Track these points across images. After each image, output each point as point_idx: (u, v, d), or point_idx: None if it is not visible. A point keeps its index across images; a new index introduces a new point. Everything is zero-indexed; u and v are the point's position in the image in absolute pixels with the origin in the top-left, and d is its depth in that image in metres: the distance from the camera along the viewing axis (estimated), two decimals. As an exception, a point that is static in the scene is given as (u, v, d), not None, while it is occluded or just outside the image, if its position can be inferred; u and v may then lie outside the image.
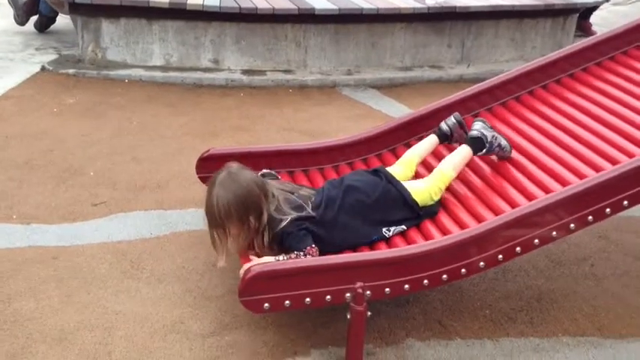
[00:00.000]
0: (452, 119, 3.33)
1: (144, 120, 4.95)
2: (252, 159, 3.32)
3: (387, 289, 2.53)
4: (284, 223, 2.70)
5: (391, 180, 2.97)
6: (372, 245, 2.83)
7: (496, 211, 2.78)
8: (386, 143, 3.45)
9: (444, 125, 3.31)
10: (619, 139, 2.93)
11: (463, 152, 3.09)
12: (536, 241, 2.60)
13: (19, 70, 5.74)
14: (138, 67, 5.85)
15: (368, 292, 2.49)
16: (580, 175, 2.77)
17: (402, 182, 2.99)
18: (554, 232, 2.61)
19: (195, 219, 3.56)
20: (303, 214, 2.74)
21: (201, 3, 5.65)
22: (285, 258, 2.63)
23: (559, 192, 2.63)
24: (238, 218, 2.68)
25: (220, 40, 5.91)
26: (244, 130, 4.89)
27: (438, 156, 3.23)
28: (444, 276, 2.56)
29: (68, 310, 2.85)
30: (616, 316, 2.99)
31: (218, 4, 5.67)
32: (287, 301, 2.45)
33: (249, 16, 5.76)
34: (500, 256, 2.59)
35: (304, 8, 5.81)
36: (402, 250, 2.60)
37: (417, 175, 3.16)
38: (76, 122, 4.83)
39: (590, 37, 3.68)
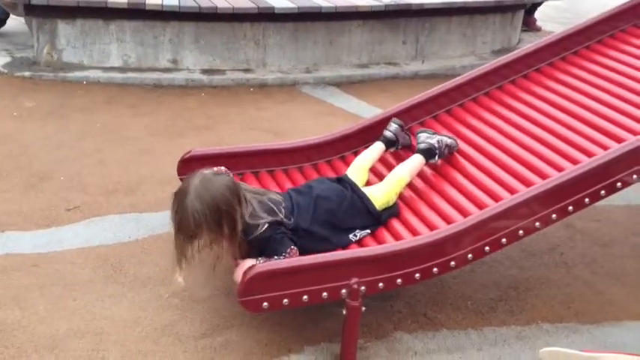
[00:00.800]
0: (393, 125, 3.43)
1: (107, 122, 4.88)
2: (233, 159, 3.34)
3: (381, 284, 2.59)
4: (261, 229, 2.68)
5: (355, 190, 3.03)
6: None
7: (461, 210, 2.90)
8: (365, 139, 3.50)
9: (387, 133, 3.40)
10: (593, 133, 3.08)
11: (417, 160, 3.18)
12: (521, 232, 2.71)
13: (-29, 75, 5.57)
14: (95, 68, 5.75)
15: (363, 288, 2.56)
16: (558, 168, 2.89)
17: (362, 190, 3.05)
18: (537, 223, 2.72)
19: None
20: (278, 218, 2.73)
21: (160, 3, 5.59)
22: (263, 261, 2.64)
23: (541, 184, 2.75)
24: (211, 229, 2.60)
25: (179, 39, 5.86)
26: (209, 129, 4.88)
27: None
28: (435, 269, 2.64)
29: (55, 317, 2.82)
30: (589, 301, 3.14)
31: (177, 4, 5.62)
32: (285, 300, 2.49)
33: (209, 16, 5.74)
34: (487, 248, 2.69)
35: (264, 7, 5.82)
36: (394, 245, 2.66)
37: (368, 182, 3.23)
38: (38, 126, 4.73)
39: (550, 36, 3.83)
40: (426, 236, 2.69)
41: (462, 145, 3.33)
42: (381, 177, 3.22)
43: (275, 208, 2.74)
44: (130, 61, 5.85)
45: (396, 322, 2.95)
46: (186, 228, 2.60)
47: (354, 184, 3.07)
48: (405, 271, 2.62)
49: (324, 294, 2.53)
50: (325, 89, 5.97)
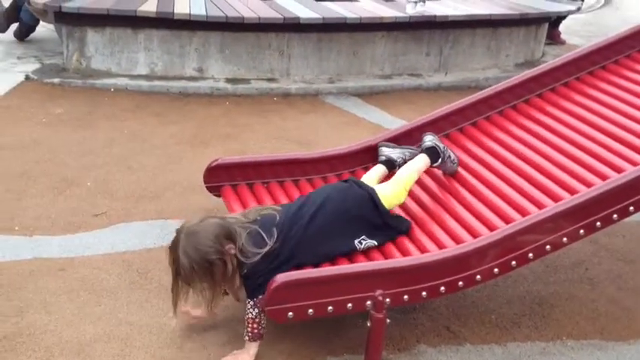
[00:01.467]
0: (383, 149, 3.46)
1: (134, 129, 4.94)
2: (258, 168, 3.38)
3: (406, 297, 2.60)
4: (245, 270, 2.64)
5: (363, 186, 3.00)
6: (348, 256, 2.83)
7: (487, 224, 2.90)
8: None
9: (381, 157, 3.43)
10: (622, 148, 3.07)
11: (422, 159, 3.20)
12: (548, 247, 2.70)
13: (2, 80, 5.66)
14: (123, 76, 5.83)
15: (388, 300, 2.56)
16: (587, 184, 2.88)
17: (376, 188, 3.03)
18: (565, 238, 2.71)
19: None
20: (264, 250, 2.63)
21: (188, 12, 5.66)
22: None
23: (570, 199, 2.74)
24: (203, 279, 2.61)
25: (205, 48, 5.92)
26: (233, 138, 4.92)
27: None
28: (460, 283, 2.64)
29: (82, 322, 2.85)
30: (615, 318, 3.11)
31: (205, 13, 5.68)
32: (310, 310, 2.50)
33: (235, 25, 5.79)
34: (514, 262, 2.68)
35: (289, 17, 5.87)
36: (420, 257, 2.67)
37: None
38: (66, 132, 4.79)
39: (578, 50, 3.82)
40: (452, 249, 2.69)
41: (488, 158, 3.33)
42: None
43: (263, 236, 2.65)
44: (157, 70, 5.92)
45: (419, 335, 2.95)
46: (182, 277, 2.62)
47: (362, 182, 3.06)
48: (431, 284, 2.62)
49: (349, 305, 2.54)
50: (348, 99, 5.99)
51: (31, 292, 3.02)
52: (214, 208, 3.72)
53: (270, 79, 6.10)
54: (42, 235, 3.47)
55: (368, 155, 3.54)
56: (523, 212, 2.85)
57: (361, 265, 2.66)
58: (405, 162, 3.35)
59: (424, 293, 2.63)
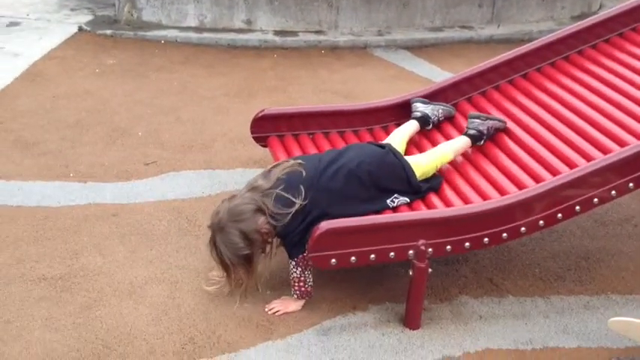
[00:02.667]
0: (417, 105, 3.41)
1: (183, 81, 5.00)
2: (304, 119, 3.40)
3: (449, 247, 2.61)
4: (282, 223, 2.64)
5: (399, 157, 2.95)
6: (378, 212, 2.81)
7: (534, 176, 2.86)
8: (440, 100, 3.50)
9: (416, 114, 3.38)
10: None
11: (462, 141, 3.16)
12: (596, 200, 2.67)
13: (57, 31, 5.78)
14: (173, 27, 5.87)
15: (430, 250, 2.58)
16: (637, 136, 2.82)
17: (405, 158, 2.99)
18: (614, 192, 2.67)
19: (243, 178, 3.61)
20: (293, 209, 2.63)
21: (237, -37, 5.64)
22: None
23: (619, 151, 2.69)
24: (247, 260, 2.66)
25: (253, 0, 5.91)
26: (280, 91, 4.94)
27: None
28: (504, 234, 2.64)
29: (134, 265, 2.96)
30: (663, 274, 3.07)
31: (254, -36, 5.66)
32: (353, 257, 2.54)
33: (284, -24, 5.75)
34: (560, 215, 2.66)
35: (338, -32, 5.79)
36: (465, 208, 2.67)
37: (407, 152, 3.19)
38: (118, 83, 4.89)
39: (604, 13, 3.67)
40: (497, 200, 2.67)
41: (537, 110, 3.27)
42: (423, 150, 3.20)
43: (291, 197, 2.64)
44: (206, 22, 5.94)
45: (461, 287, 2.97)
46: (224, 266, 2.70)
47: (397, 152, 3.01)
48: (474, 234, 2.63)
49: (392, 254, 2.57)
50: (397, 52, 5.92)
51: (85, 235, 3.15)
52: (260, 158, 3.78)
53: (318, 32, 6.06)
54: (95, 182, 3.58)
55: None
56: (571, 164, 2.81)
57: (404, 215, 2.68)
58: (439, 119, 3.37)
59: (467, 244, 2.63)
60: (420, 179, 2.93)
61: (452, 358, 2.58)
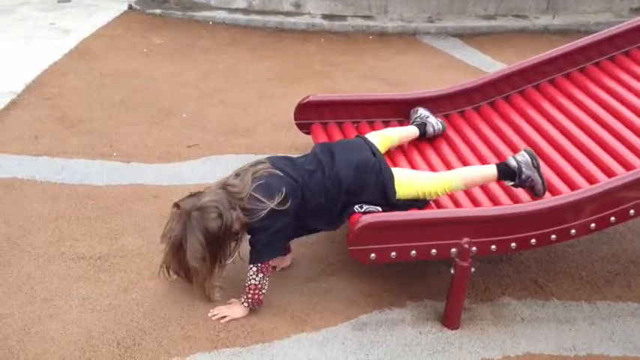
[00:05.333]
0: (440, 127, 3.20)
1: (229, 63, 4.97)
2: (348, 107, 3.33)
3: (494, 247, 2.52)
4: (259, 215, 2.49)
5: (384, 172, 2.68)
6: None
7: (587, 176, 2.74)
8: (486, 95, 3.38)
9: (430, 128, 3.18)
10: None
11: (485, 171, 2.75)
12: (651, 204, 2.55)
13: (107, 9, 5.82)
14: (221, 9, 5.86)
15: (474, 248, 2.50)
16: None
17: (395, 171, 2.72)
18: (671, 197, 2.55)
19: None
20: (274, 205, 2.48)
21: (288, -56, 5.57)
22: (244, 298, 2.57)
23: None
24: (212, 258, 2.52)
25: (303, -17, 5.85)
26: (325, 76, 4.87)
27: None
28: (553, 236, 2.54)
29: (172, 248, 2.95)
30: None
31: (304, -54, 5.59)
32: (393, 253, 2.48)
33: (334, -40, 5.67)
34: (613, 219, 2.55)
35: (390, -48, 5.67)
36: (512, 207, 2.57)
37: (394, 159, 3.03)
38: (164, 63, 4.89)
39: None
40: (548, 200, 2.57)
41: (594, 108, 3.14)
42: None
43: (276, 193, 2.49)
44: (255, 3, 5.90)
45: (504, 287, 2.88)
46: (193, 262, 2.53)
47: (384, 163, 2.72)
48: (521, 235, 2.53)
49: (433, 251, 2.50)
50: (447, 40, 5.79)
51: (126, 216, 3.15)
52: (303, 145, 3.72)
53: (366, 17, 5.97)
54: (138, 163, 3.59)
55: (462, 99, 3.41)
56: (628, 166, 2.69)
57: (449, 212, 2.60)
58: (434, 132, 3.16)
59: (513, 244, 2.54)
60: (401, 199, 2.67)
61: (491, 360, 2.51)
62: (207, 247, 2.46)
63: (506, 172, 2.73)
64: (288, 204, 2.51)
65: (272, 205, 2.47)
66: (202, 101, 4.33)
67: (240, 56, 5.12)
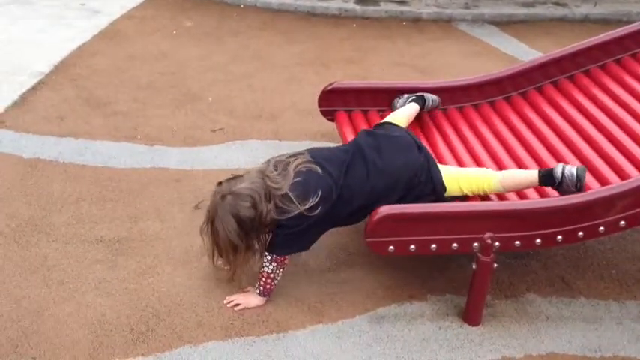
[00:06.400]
0: (436, 99, 3.17)
1: (258, 47, 4.92)
2: (374, 95, 3.25)
3: (518, 242, 2.43)
4: (288, 215, 2.41)
5: (431, 165, 2.61)
6: None
7: (618, 172, 2.62)
8: (519, 85, 3.27)
9: (428, 96, 3.15)
10: None
11: (527, 174, 2.62)
12: (686, 203, 2.43)
13: (138, -10, 5.81)
14: (253, -8, 5.80)
15: (497, 243, 2.42)
16: None
17: (440, 167, 2.65)
18: None
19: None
20: (306, 208, 2.39)
21: None
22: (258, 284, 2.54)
23: None
24: (247, 245, 2.45)
25: (336, -33, 5.75)
26: (355, 62, 4.79)
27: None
28: (580, 233, 2.44)
29: (191, 233, 2.91)
30: None
31: None
32: (412, 246, 2.41)
33: (369, -57, 5.56)
34: (645, 217, 2.43)
35: (426, -64, 5.54)
36: (538, 202, 2.48)
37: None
38: (193, 46, 4.86)
39: None
40: (576, 196, 2.46)
41: (629, 101, 3.01)
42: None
43: (310, 194, 2.40)
44: (287, -13, 5.83)
45: (529, 283, 2.79)
46: (222, 251, 2.48)
47: (433, 161, 2.65)
48: (547, 231, 2.44)
49: (454, 245, 2.42)
50: (483, 27, 5.65)
51: (147, 199, 3.13)
52: (329, 132, 3.67)
53: (400, 2, 5.86)
54: (162, 146, 3.56)
55: (494, 88, 3.30)
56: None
57: (471, 205, 2.51)
58: (432, 103, 3.13)
59: (538, 240, 2.45)
60: (450, 195, 2.61)
61: (512, 359, 2.42)
62: (239, 232, 2.40)
63: (545, 177, 2.58)
64: (318, 210, 2.40)
65: (301, 209, 2.39)
66: (229, 85, 4.29)
67: (271, 40, 5.06)
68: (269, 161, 2.54)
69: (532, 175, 2.61)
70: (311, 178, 2.45)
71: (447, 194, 2.61)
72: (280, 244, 2.48)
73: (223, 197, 2.41)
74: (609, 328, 2.58)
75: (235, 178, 2.48)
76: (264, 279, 2.53)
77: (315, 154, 2.55)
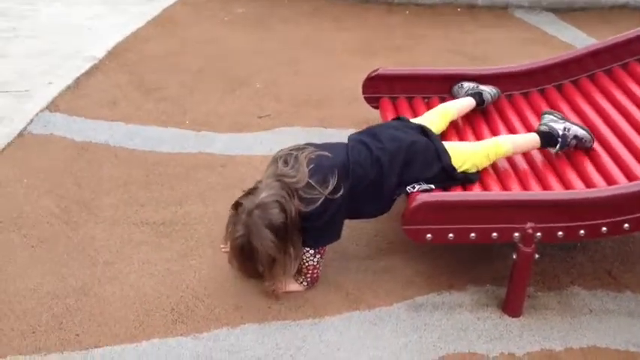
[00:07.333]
0: (496, 92, 3.09)
1: (308, 34, 4.92)
2: (418, 82, 3.21)
3: (560, 233, 2.37)
4: (314, 205, 2.38)
5: (434, 140, 2.63)
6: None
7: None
8: (570, 73, 3.18)
9: (487, 94, 3.05)
10: None
11: (529, 137, 2.74)
12: None
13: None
14: (305, -22, 5.78)
15: (538, 234, 2.36)
16: None
17: (444, 143, 2.65)
18: None
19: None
20: (329, 191, 2.38)
21: None
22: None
23: None
24: (284, 253, 2.41)
25: (390, -48, 5.68)
26: (405, 50, 4.73)
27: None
28: (626, 225, 2.36)
29: (233, 218, 2.95)
30: None
31: None
32: (450, 234, 2.38)
33: None
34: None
35: None
36: (583, 192, 2.41)
37: (445, 134, 2.89)
38: (244, 32, 4.90)
39: None
40: (624, 186, 2.39)
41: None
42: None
43: (329, 176, 2.39)
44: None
45: (574, 276, 2.72)
46: (263, 263, 2.43)
47: (433, 133, 2.68)
48: (591, 222, 2.37)
49: (494, 234, 2.38)
50: (540, 15, 5.50)
51: (192, 184, 3.18)
52: (375, 120, 3.62)
53: (455, -11, 5.75)
54: (208, 132, 3.61)
55: (544, 76, 3.22)
56: None
57: (512, 194, 2.46)
58: (492, 98, 3.06)
59: (582, 232, 2.38)
60: (460, 170, 2.57)
61: (552, 352, 2.37)
62: (278, 242, 2.36)
63: (545, 137, 2.71)
64: (342, 191, 2.39)
65: (326, 193, 2.37)
66: (277, 71, 4.31)
67: (321, 26, 5.06)
68: (275, 160, 2.52)
69: (533, 135, 2.74)
70: (324, 160, 2.45)
71: (465, 169, 2.58)
72: (318, 236, 2.48)
73: (250, 213, 2.36)
74: (656, 324, 2.50)
75: (251, 192, 2.44)
76: (310, 271, 2.54)
77: (317, 145, 2.55)
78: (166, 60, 4.40)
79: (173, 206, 3.03)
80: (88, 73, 4.15)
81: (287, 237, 2.39)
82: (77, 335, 2.34)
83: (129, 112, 3.76)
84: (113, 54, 4.43)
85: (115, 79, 4.13)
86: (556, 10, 5.57)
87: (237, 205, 2.45)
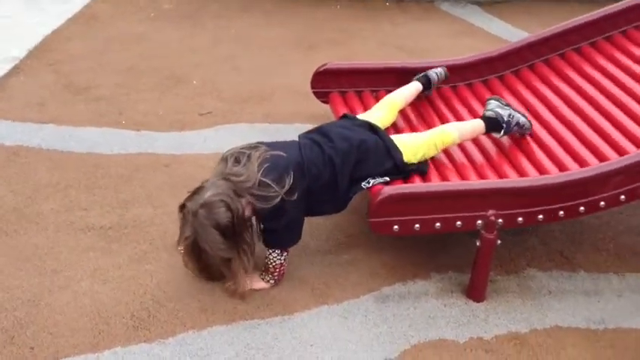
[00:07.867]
0: (441, 71, 3.16)
1: (241, 29, 4.83)
2: (367, 76, 3.21)
3: (520, 219, 2.42)
4: (271, 203, 2.33)
5: (383, 137, 2.64)
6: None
7: (616, 147, 2.63)
8: (510, 64, 3.25)
9: (432, 73, 3.12)
10: None
11: (474, 123, 2.81)
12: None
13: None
14: (232, -27, 5.67)
15: (500, 221, 2.40)
16: None
17: (391, 136, 2.66)
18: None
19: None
20: (286, 189, 2.34)
21: None
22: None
23: None
24: (237, 251, 2.36)
25: (316, -54, 5.65)
26: (341, 43, 4.73)
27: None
28: (581, 208, 2.44)
29: (186, 218, 2.85)
30: None
31: None
32: (417, 225, 2.38)
33: None
34: (645, 189, 2.43)
35: None
36: (540, 179, 2.47)
37: (396, 125, 2.95)
38: (173, 29, 4.75)
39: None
40: (576, 172, 2.47)
41: (621, 76, 3.01)
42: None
43: (285, 175, 2.36)
44: (266, -32, 5.72)
45: (529, 259, 2.78)
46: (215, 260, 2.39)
47: (381, 129, 2.71)
48: (549, 207, 2.43)
49: (458, 223, 2.40)
50: (465, 7, 5.62)
51: (137, 185, 3.05)
52: (322, 114, 3.60)
53: (383, -17, 5.78)
54: (149, 131, 3.47)
55: (484, 67, 3.29)
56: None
57: (475, 183, 2.49)
58: (438, 78, 3.12)
59: (541, 216, 2.44)
60: (410, 162, 2.61)
61: (518, 334, 2.41)
62: (228, 242, 2.30)
63: (490, 122, 2.79)
64: (298, 192, 2.35)
65: (282, 192, 2.32)
66: (214, 68, 4.20)
67: (253, 22, 4.97)
68: (225, 158, 2.44)
69: (478, 121, 2.82)
70: (279, 160, 2.39)
71: (414, 160, 2.62)
72: (281, 237, 2.45)
73: (195, 214, 2.28)
74: (610, 301, 2.58)
75: (196, 191, 2.36)
76: (277, 269, 2.49)
77: (269, 144, 2.49)
78: (93, 58, 4.21)
79: (119, 209, 2.89)
80: (10, 75, 3.92)
81: (236, 236, 2.32)
82: (32, 349, 2.19)
83: (59, 114, 3.57)
84: (34, 54, 4.19)
85: (39, 79, 3.90)
86: (480, 3, 5.70)
87: (182, 207, 2.36)
